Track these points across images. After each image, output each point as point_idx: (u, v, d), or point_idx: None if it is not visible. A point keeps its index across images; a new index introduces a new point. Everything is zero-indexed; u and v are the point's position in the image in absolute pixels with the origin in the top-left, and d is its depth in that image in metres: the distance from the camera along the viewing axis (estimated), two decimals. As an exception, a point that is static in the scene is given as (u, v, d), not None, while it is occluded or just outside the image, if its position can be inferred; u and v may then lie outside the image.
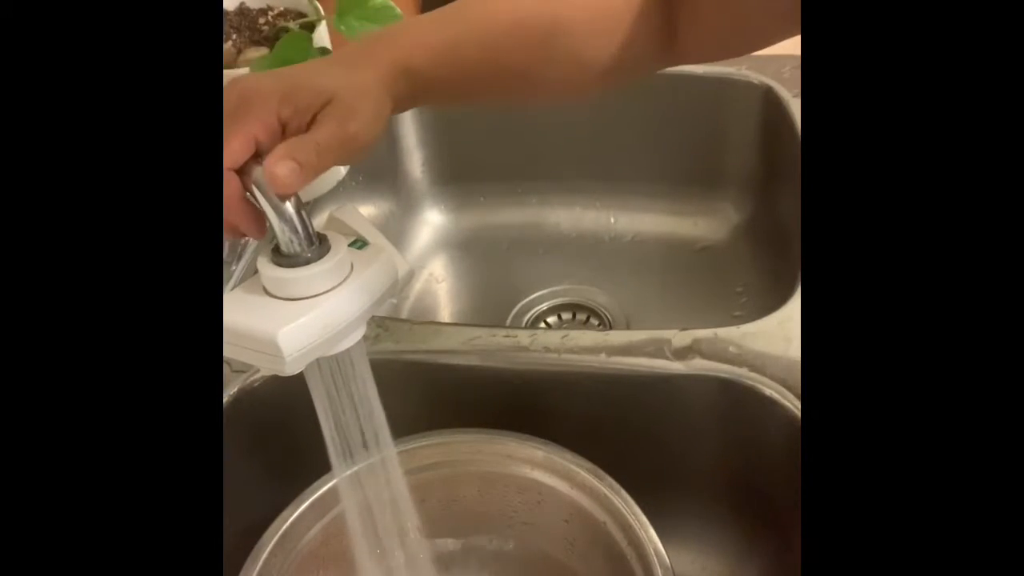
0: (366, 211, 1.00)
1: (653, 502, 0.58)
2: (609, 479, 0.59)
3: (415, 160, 1.10)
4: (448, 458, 0.62)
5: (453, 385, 0.68)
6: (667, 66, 0.55)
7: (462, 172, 1.10)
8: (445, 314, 1.02)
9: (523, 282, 1.01)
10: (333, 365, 0.47)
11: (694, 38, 0.52)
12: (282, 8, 0.82)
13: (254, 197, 0.42)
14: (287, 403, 0.68)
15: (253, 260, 0.79)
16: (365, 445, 0.50)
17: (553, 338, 0.67)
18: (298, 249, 0.43)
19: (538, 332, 0.69)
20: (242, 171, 0.42)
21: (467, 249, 1.09)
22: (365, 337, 0.47)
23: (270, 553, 0.57)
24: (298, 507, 0.59)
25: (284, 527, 0.58)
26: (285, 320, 0.42)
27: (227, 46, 0.78)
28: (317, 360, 0.45)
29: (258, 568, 0.56)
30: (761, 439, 0.65)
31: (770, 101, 0.93)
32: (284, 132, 0.43)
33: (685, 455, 0.71)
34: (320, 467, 0.58)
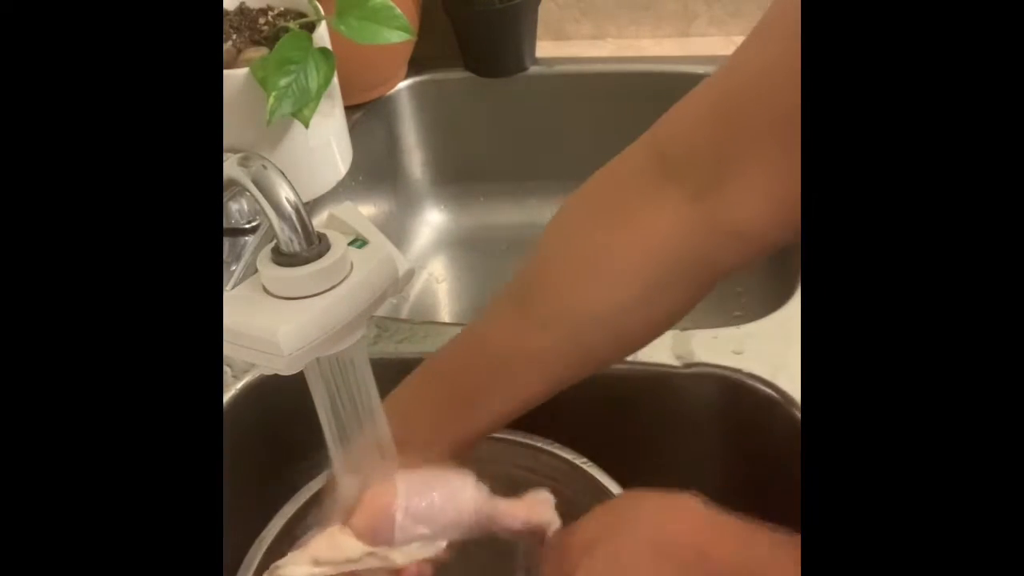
0: (366, 211, 1.00)
1: (653, 502, 0.58)
2: (606, 476, 0.59)
3: (415, 160, 1.10)
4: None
5: (453, 385, 0.68)
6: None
7: (462, 172, 1.10)
8: (445, 314, 1.02)
9: (523, 282, 1.01)
10: (333, 364, 0.47)
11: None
12: (282, 8, 0.82)
13: (254, 198, 0.42)
14: (287, 402, 0.68)
15: (253, 260, 0.79)
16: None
17: (553, 338, 0.67)
18: (298, 248, 0.43)
19: (538, 332, 0.68)
20: None
21: (467, 249, 1.09)
22: (365, 337, 0.47)
23: (268, 550, 0.57)
24: (297, 503, 0.59)
25: (283, 523, 0.58)
26: (285, 319, 0.42)
27: (227, 46, 0.78)
28: (317, 359, 0.45)
29: (255, 565, 0.56)
30: (761, 439, 0.65)
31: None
32: None
33: (685, 455, 0.71)
34: (321, 466, 0.58)
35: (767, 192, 0.43)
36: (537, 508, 0.51)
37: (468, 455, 0.53)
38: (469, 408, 0.52)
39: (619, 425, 0.69)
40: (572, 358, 0.51)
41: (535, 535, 0.51)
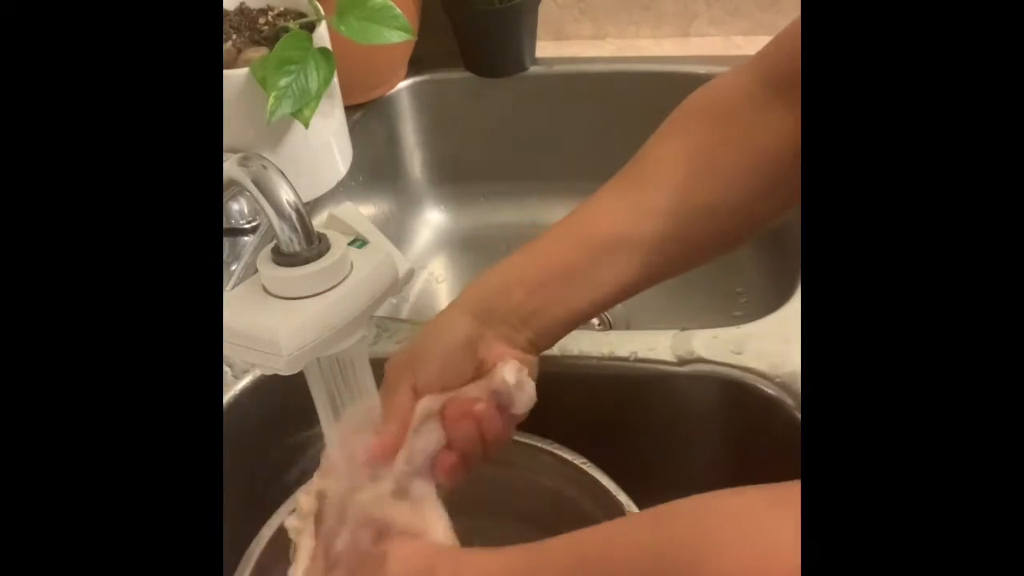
0: (366, 211, 1.00)
1: (652, 502, 0.58)
2: (606, 477, 0.59)
3: (415, 160, 1.10)
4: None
5: (453, 385, 0.68)
6: None
7: (462, 172, 1.10)
8: (445, 314, 1.02)
9: (523, 282, 1.01)
10: (333, 364, 0.47)
11: None
12: (282, 8, 0.82)
13: (254, 198, 0.42)
14: (287, 402, 0.68)
15: (253, 260, 0.79)
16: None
17: (553, 338, 0.67)
18: (298, 248, 0.43)
19: (538, 332, 0.68)
20: None
21: (467, 249, 1.09)
22: (365, 337, 0.47)
23: (266, 547, 0.57)
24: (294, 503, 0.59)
25: (281, 520, 0.58)
26: (284, 319, 0.42)
27: (227, 46, 0.78)
28: (317, 359, 0.45)
29: (254, 562, 0.56)
30: (761, 439, 0.65)
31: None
32: None
33: (685, 455, 0.71)
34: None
35: None
36: (496, 377, 0.51)
37: (550, 345, 0.55)
38: (565, 287, 0.53)
39: (619, 425, 0.69)
40: (674, 249, 0.53)
41: (503, 399, 0.51)
